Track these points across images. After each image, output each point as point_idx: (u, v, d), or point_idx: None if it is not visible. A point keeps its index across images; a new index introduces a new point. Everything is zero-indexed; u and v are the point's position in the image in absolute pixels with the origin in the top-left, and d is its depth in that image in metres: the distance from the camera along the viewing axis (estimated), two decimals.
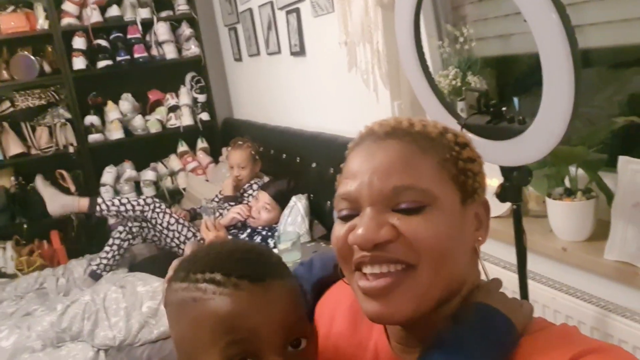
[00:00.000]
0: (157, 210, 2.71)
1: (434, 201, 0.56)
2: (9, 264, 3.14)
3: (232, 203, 2.72)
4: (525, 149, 1.05)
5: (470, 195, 0.59)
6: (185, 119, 3.63)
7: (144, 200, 2.72)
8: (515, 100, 1.58)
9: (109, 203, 2.68)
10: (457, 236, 0.57)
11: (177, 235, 2.72)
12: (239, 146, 2.77)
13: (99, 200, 2.70)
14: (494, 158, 1.14)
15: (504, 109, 1.09)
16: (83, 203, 2.70)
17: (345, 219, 0.59)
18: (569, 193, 1.36)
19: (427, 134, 0.59)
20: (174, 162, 3.72)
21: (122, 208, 2.67)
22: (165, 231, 2.72)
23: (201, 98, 3.70)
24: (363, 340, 0.69)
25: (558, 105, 0.93)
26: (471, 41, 1.71)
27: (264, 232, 2.45)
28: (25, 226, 3.26)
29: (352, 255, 0.58)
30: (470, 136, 1.17)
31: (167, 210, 2.74)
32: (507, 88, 1.84)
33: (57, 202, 2.76)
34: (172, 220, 2.72)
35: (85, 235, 3.39)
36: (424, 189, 0.55)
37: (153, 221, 2.71)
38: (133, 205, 2.68)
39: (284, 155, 2.83)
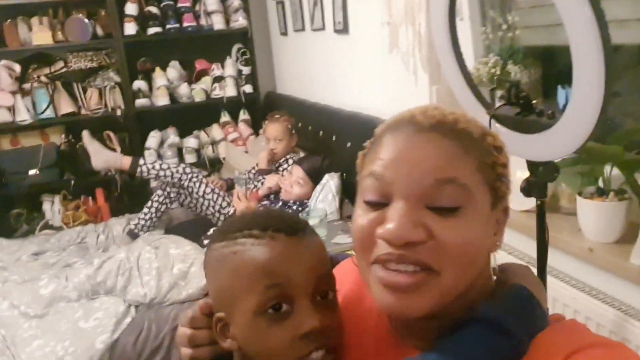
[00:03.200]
0: (194, 179, 2.79)
1: (471, 201, 0.55)
2: (56, 217, 3.33)
3: (266, 176, 2.76)
4: (552, 144, 1.02)
5: (499, 200, 0.59)
6: (229, 90, 3.68)
7: (183, 168, 2.81)
8: (562, 92, 1.54)
9: (149, 166, 2.78)
10: (483, 243, 0.57)
11: (211, 204, 2.80)
12: (276, 119, 2.80)
13: (141, 161, 2.80)
14: (521, 151, 1.12)
15: (534, 101, 1.06)
16: (125, 161, 2.82)
17: (372, 205, 0.57)
18: (601, 193, 1.32)
19: (470, 133, 0.58)
20: (216, 131, 3.79)
21: (162, 173, 2.76)
22: (200, 199, 2.81)
23: (246, 70, 3.74)
24: (365, 311, 0.70)
25: (586, 102, 0.90)
26: (515, 29, 1.66)
27: (294, 207, 2.49)
28: (72, 182, 3.42)
29: (373, 246, 0.57)
30: (498, 127, 1.15)
31: (204, 180, 2.82)
32: (550, 80, 1.78)
33: (102, 157, 2.88)
34: (208, 190, 2.80)
35: (128, 195, 3.53)
36: (464, 184, 0.54)
37: (189, 189, 2.80)
38: (172, 172, 2.76)
39: (321, 133, 2.84)
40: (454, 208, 0.54)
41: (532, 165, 1.12)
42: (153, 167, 2.78)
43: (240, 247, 0.63)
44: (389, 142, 0.58)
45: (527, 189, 1.15)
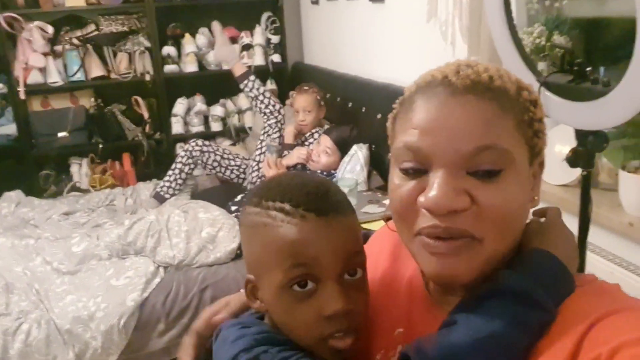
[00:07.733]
0: (280, 125, 2.80)
1: (511, 164, 0.54)
2: (84, 180, 3.38)
3: (291, 151, 2.76)
4: (605, 112, 1.00)
5: (536, 155, 0.58)
6: (257, 59, 3.66)
7: (279, 108, 2.81)
8: (601, 69, 1.50)
9: (257, 85, 2.76)
10: (525, 201, 0.57)
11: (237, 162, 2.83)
12: (305, 91, 2.79)
13: (252, 77, 2.78)
14: (572, 120, 1.10)
15: (588, 69, 1.04)
16: (239, 68, 2.80)
17: (410, 174, 0.56)
18: None
19: (506, 91, 0.55)
20: (242, 100, 3.79)
21: (261, 97, 2.76)
22: (224, 161, 2.83)
23: (274, 39, 3.71)
24: (399, 274, 0.70)
25: None
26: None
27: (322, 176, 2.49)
28: (100, 146, 3.46)
29: (415, 215, 0.56)
30: (549, 95, 1.13)
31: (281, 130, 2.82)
32: (594, 54, 1.73)
33: (225, 49, 2.90)
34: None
35: (154, 161, 3.56)
36: (505, 149, 0.53)
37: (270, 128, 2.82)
38: (268, 102, 2.76)
39: (350, 104, 2.82)
40: (495, 172, 0.53)
41: (581, 135, 1.10)
42: (258, 88, 2.76)
43: (271, 220, 0.63)
44: (422, 107, 0.56)
45: (574, 159, 1.13)
